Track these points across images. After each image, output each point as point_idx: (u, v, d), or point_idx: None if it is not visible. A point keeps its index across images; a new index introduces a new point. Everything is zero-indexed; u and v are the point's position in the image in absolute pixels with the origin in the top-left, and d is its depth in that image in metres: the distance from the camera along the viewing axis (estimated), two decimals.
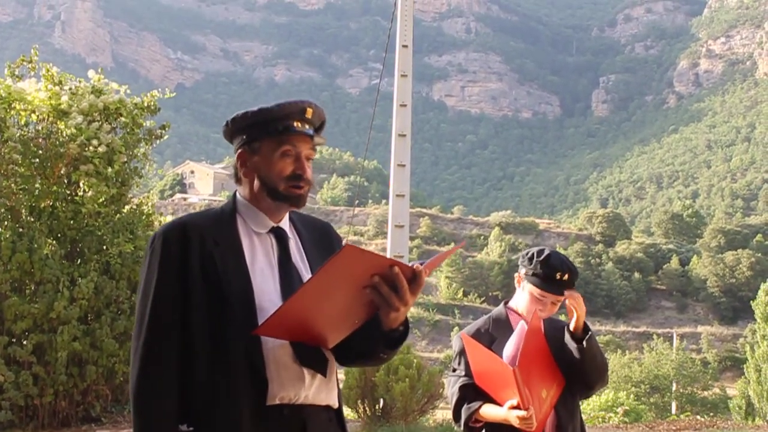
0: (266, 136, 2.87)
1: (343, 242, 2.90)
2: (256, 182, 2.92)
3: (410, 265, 2.69)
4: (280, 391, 2.79)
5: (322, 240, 3.08)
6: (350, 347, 2.88)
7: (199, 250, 2.82)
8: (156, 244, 2.87)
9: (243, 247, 2.88)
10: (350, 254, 2.57)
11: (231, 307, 2.78)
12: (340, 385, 15.64)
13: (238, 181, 2.98)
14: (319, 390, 2.87)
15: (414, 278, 2.69)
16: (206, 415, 2.78)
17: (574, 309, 4.01)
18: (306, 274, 2.93)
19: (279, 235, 2.95)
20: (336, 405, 2.98)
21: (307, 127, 2.89)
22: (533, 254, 4.19)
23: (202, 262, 2.82)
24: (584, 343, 3.99)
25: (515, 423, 3.88)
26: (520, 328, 3.99)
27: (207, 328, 2.79)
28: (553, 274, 4.09)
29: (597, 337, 4.31)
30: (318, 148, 2.92)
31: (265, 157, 2.89)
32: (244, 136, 2.91)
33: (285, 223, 2.99)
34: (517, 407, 3.87)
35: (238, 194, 3.00)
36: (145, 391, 2.78)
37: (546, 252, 4.19)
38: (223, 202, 3.09)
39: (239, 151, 2.93)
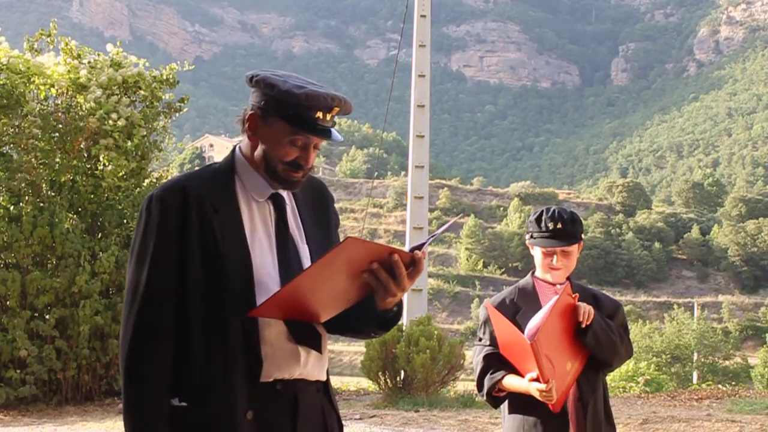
0: (284, 118, 2.77)
1: (348, 234, 2.84)
2: (259, 150, 2.83)
3: (409, 252, 2.68)
4: (275, 370, 2.76)
5: (316, 201, 3.03)
6: (342, 322, 2.85)
7: (198, 218, 2.75)
8: (153, 208, 2.77)
9: (242, 215, 2.82)
10: (351, 246, 2.56)
11: (229, 282, 2.72)
12: (361, 357, 15.64)
13: (243, 132, 2.89)
14: (313, 366, 2.85)
15: (413, 264, 2.69)
16: (200, 391, 2.72)
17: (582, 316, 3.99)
18: (301, 243, 2.89)
19: (277, 202, 2.89)
20: (324, 378, 2.95)
21: (328, 119, 2.79)
22: (530, 217, 4.22)
23: (201, 231, 2.74)
24: (585, 338, 4.00)
25: (536, 395, 3.87)
26: (551, 302, 3.97)
27: (203, 302, 2.74)
28: (546, 227, 4.09)
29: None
30: (336, 119, 2.85)
31: (274, 135, 2.80)
32: (263, 102, 2.80)
33: (284, 191, 2.93)
34: (537, 380, 3.87)
35: (238, 151, 2.93)
36: (137, 359, 2.71)
37: (539, 210, 4.20)
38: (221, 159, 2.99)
39: (252, 111, 2.84)
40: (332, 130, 2.81)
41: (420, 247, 2.74)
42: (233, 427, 2.70)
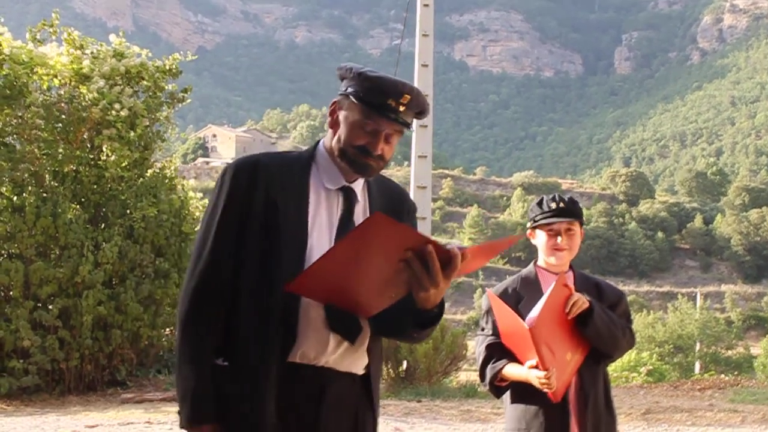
0: (356, 100, 2.82)
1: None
2: (336, 137, 2.89)
3: (447, 247, 2.60)
4: (302, 349, 2.77)
5: (392, 207, 2.99)
6: (384, 320, 2.84)
7: (265, 193, 2.81)
8: (226, 177, 2.86)
9: (309, 199, 2.86)
10: (378, 222, 2.51)
11: (281, 257, 2.77)
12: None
13: (330, 126, 2.95)
14: (343, 357, 2.84)
15: (448, 261, 2.60)
16: (239, 355, 2.79)
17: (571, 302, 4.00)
18: None
19: (348, 194, 2.91)
20: (360, 372, 2.92)
21: (401, 110, 2.82)
22: (531, 205, 4.26)
23: (266, 205, 2.80)
24: (586, 330, 4.00)
25: (536, 383, 3.88)
26: (549, 289, 3.98)
27: (256, 272, 2.80)
28: (549, 207, 4.13)
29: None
30: (412, 116, 2.85)
31: (348, 119, 2.85)
32: (343, 89, 2.88)
33: (358, 184, 2.94)
34: (536, 367, 3.88)
35: (321, 143, 2.98)
36: (194, 318, 2.81)
37: (540, 198, 4.25)
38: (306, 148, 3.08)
39: (334, 100, 2.92)
40: (404, 121, 2.84)
41: (461, 248, 2.65)
42: (261, 397, 2.75)
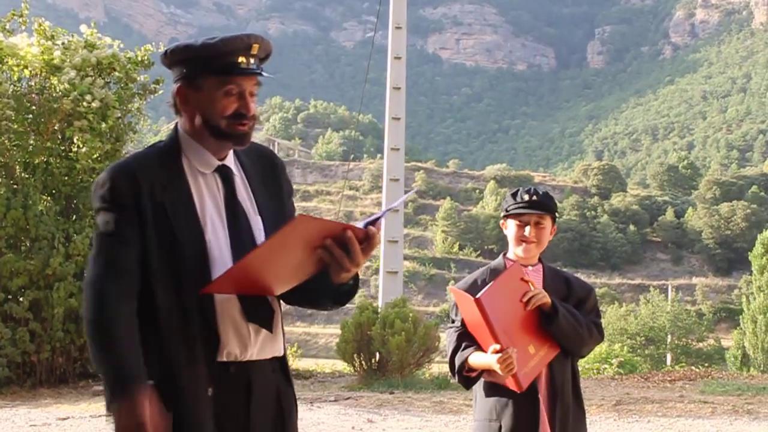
0: (209, 72, 2.74)
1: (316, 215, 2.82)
2: (197, 119, 2.80)
3: (362, 228, 2.67)
4: (228, 347, 2.75)
5: (266, 170, 2.99)
6: (297, 294, 2.86)
7: (150, 199, 2.72)
8: (106, 193, 2.74)
9: (192, 191, 2.79)
10: (303, 223, 2.57)
11: (184, 259, 2.71)
12: (336, 340, 15.64)
13: (177, 113, 2.87)
14: (263, 345, 2.83)
15: (366, 239, 2.67)
16: (166, 370, 2.70)
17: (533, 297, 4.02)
18: (253, 214, 2.86)
19: (224, 174, 2.85)
20: (281, 353, 2.93)
21: (252, 62, 2.78)
22: (506, 195, 4.29)
23: (154, 212, 2.72)
24: (550, 328, 4.03)
25: (496, 368, 3.88)
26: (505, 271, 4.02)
27: (164, 283, 2.71)
28: (522, 198, 4.16)
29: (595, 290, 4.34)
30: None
31: (207, 95, 2.77)
32: (184, 70, 2.78)
33: (230, 159, 2.89)
34: (499, 352, 3.88)
35: (179, 128, 2.88)
36: (110, 294, 2.65)
37: (516, 189, 4.28)
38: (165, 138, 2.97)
39: (178, 84, 2.81)
40: (260, 70, 2.81)
41: (374, 222, 2.71)
42: (197, 401, 2.70)
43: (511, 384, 3.94)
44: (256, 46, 2.79)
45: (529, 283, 4.01)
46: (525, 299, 3.96)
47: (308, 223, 2.57)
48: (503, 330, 3.88)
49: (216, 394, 2.74)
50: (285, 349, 2.98)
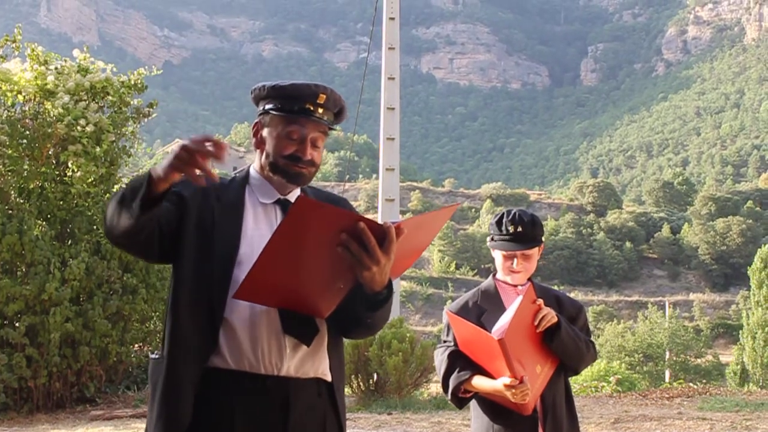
0: (277, 112, 2.89)
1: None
2: (264, 154, 2.96)
3: (376, 222, 2.63)
4: (248, 356, 2.76)
5: None
6: (340, 314, 2.83)
7: (201, 200, 2.85)
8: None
9: (245, 214, 2.90)
10: (304, 206, 2.51)
11: (211, 262, 2.78)
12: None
13: (255, 148, 3.02)
14: (303, 362, 2.82)
15: (384, 235, 2.62)
16: (168, 351, 2.79)
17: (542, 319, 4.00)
18: None
19: (285, 206, 2.94)
20: (328, 378, 2.91)
21: (320, 111, 2.91)
22: (492, 220, 4.25)
23: (200, 211, 2.84)
24: (552, 344, 4.01)
25: (508, 395, 3.86)
26: (516, 301, 3.98)
27: (191, 279, 2.80)
28: (506, 230, 4.13)
29: (589, 308, 4.33)
30: (331, 116, 2.92)
31: (271, 133, 2.92)
32: (261, 109, 2.95)
33: (293, 196, 2.98)
34: (512, 385, 3.84)
35: (251, 166, 3.04)
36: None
37: (500, 213, 4.23)
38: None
39: (256, 120, 3.00)
40: (325, 120, 2.93)
41: (395, 222, 2.69)
42: (178, 396, 2.75)
43: (518, 406, 3.92)
44: (323, 96, 2.91)
45: (537, 302, 3.99)
46: (536, 322, 3.94)
47: (310, 206, 2.53)
48: (517, 359, 3.85)
49: (244, 409, 2.76)
50: (337, 376, 2.97)
